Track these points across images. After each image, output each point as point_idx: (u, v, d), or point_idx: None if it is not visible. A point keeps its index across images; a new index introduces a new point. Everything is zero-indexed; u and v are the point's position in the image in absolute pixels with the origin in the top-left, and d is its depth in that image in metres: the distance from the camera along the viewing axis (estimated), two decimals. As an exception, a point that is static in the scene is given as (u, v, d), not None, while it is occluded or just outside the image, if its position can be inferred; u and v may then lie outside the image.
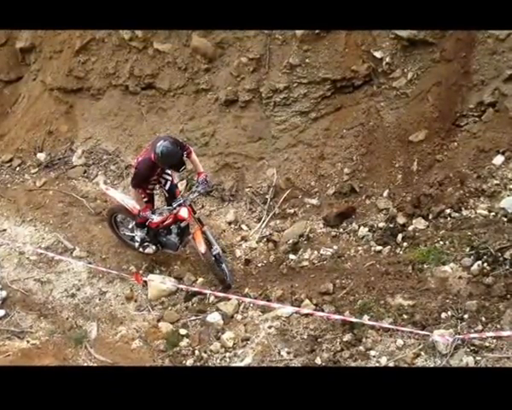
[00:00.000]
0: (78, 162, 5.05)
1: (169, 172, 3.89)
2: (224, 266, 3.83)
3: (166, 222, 3.86)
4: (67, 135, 5.20)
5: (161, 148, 3.42)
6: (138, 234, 3.97)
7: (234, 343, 3.34)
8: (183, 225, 3.83)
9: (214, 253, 3.79)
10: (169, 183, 3.86)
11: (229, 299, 3.64)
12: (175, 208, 3.69)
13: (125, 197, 4.03)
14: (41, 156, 5.20)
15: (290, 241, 4.05)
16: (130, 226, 4.10)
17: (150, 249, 3.97)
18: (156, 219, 3.81)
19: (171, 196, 3.89)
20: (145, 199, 3.82)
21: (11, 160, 5.30)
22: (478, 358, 2.76)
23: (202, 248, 3.70)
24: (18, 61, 5.65)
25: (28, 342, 3.60)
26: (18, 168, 5.23)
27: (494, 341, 2.80)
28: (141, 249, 4.00)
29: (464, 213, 3.62)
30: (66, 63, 5.14)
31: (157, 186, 3.83)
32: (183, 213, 3.70)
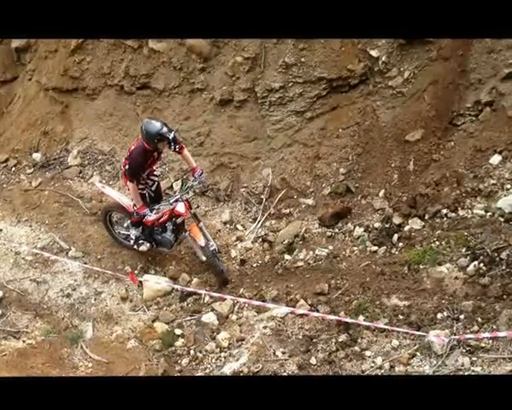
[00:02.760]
0: (74, 162, 5.04)
1: (157, 173, 3.92)
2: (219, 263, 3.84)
3: (162, 219, 3.87)
4: (63, 135, 5.18)
5: (143, 125, 3.49)
6: (133, 232, 3.98)
7: (229, 343, 3.35)
8: (179, 221, 3.81)
9: (211, 248, 3.81)
10: (155, 184, 3.89)
11: (225, 299, 3.64)
12: (172, 204, 3.68)
13: (121, 195, 4.03)
14: (36, 156, 5.19)
15: (285, 241, 4.05)
16: (125, 225, 4.11)
17: (145, 247, 3.98)
18: (151, 216, 3.82)
19: (157, 196, 3.91)
20: None
21: (7, 160, 5.29)
22: (474, 358, 2.74)
23: (202, 241, 3.70)
24: (13, 61, 5.63)
25: (24, 341, 3.61)
26: (13, 168, 5.21)
27: (490, 341, 2.78)
28: (135, 247, 4.01)
29: (461, 213, 3.61)
30: (62, 63, 5.12)
31: (141, 186, 3.83)
32: (180, 208, 3.71)
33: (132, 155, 3.61)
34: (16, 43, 5.47)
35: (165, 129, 3.46)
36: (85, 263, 4.14)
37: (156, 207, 3.75)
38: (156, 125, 3.48)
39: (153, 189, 3.89)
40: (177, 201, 3.68)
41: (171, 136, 3.48)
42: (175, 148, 3.71)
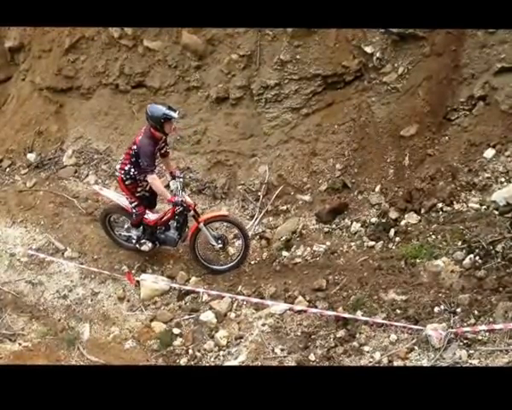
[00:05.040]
0: (69, 162, 5.01)
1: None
2: None
3: (165, 218, 3.88)
4: (57, 135, 5.15)
5: (147, 110, 3.56)
6: (134, 233, 3.98)
7: (227, 342, 3.33)
8: (191, 214, 3.80)
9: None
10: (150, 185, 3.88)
11: (223, 297, 3.63)
12: (183, 197, 3.69)
13: (120, 196, 4.00)
14: (31, 157, 5.15)
15: (283, 238, 4.05)
16: (125, 226, 4.09)
17: (146, 247, 3.97)
18: (153, 216, 3.84)
19: (152, 196, 3.93)
20: (135, 203, 3.81)
21: (1, 161, 5.25)
22: (471, 351, 2.75)
23: (222, 211, 3.95)
24: (7, 61, 5.60)
25: (20, 344, 3.57)
26: (8, 169, 5.18)
27: (487, 334, 2.79)
28: (137, 246, 4.01)
29: (456, 206, 3.63)
30: (56, 62, 5.09)
31: (139, 189, 3.83)
32: (189, 199, 3.79)
33: (142, 145, 3.56)
34: (9, 42, 5.43)
35: (169, 109, 3.54)
36: (82, 264, 4.11)
37: (178, 193, 3.70)
38: (160, 106, 3.57)
39: (147, 189, 3.88)
40: (183, 195, 3.72)
41: (176, 114, 3.55)
42: (166, 149, 3.76)
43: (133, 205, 3.83)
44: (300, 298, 3.45)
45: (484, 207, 3.53)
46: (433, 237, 3.49)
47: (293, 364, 3.02)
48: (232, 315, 3.55)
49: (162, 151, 3.79)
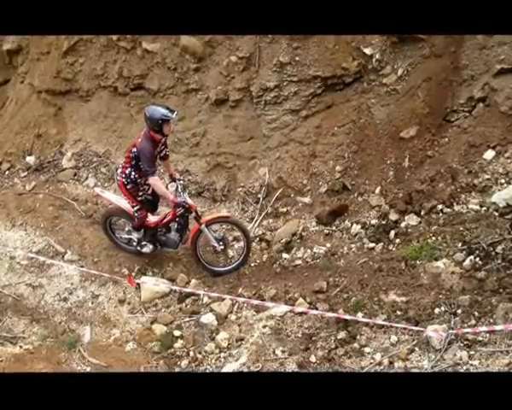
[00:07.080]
0: (68, 165, 5.01)
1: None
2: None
3: (165, 220, 3.88)
4: (56, 138, 5.15)
5: (146, 112, 3.57)
6: (135, 235, 3.99)
7: (228, 344, 3.34)
8: (192, 215, 3.80)
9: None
10: (151, 187, 3.87)
11: (223, 299, 3.63)
12: (185, 198, 3.70)
13: (121, 199, 4.00)
14: (30, 160, 5.16)
15: (283, 240, 4.06)
16: (126, 229, 4.09)
17: (147, 249, 3.98)
18: (153, 218, 3.85)
19: (155, 199, 3.94)
20: (137, 207, 3.81)
21: (0, 164, 5.24)
22: (471, 352, 2.76)
23: (223, 212, 3.98)
24: (5, 64, 5.61)
25: (21, 347, 3.58)
26: (7, 172, 5.18)
27: (487, 335, 2.80)
28: (138, 248, 4.02)
29: (456, 208, 3.64)
30: (54, 65, 5.08)
31: (141, 193, 3.84)
32: (190, 200, 3.81)
33: (142, 147, 3.57)
34: (8, 45, 5.43)
35: (167, 110, 3.56)
36: (82, 266, 4.12)
37: (180, 195, 3.71)
38: (158, 108, 3.60)
39: (149, 192, 3.88)
40: (184, 196, 3.73)
41: (173, 115, 3.57)
42: (165, 152, 3.77)
43: (135, 209, 3.83)
44: (301, 300, 3.45)
45: (484, 208, 3.54)
46: (434, 238, 3.49)
47: (294, 365, 3.03)
48: (233, 317, 3.55)
49: (162, 154, 3.80)
